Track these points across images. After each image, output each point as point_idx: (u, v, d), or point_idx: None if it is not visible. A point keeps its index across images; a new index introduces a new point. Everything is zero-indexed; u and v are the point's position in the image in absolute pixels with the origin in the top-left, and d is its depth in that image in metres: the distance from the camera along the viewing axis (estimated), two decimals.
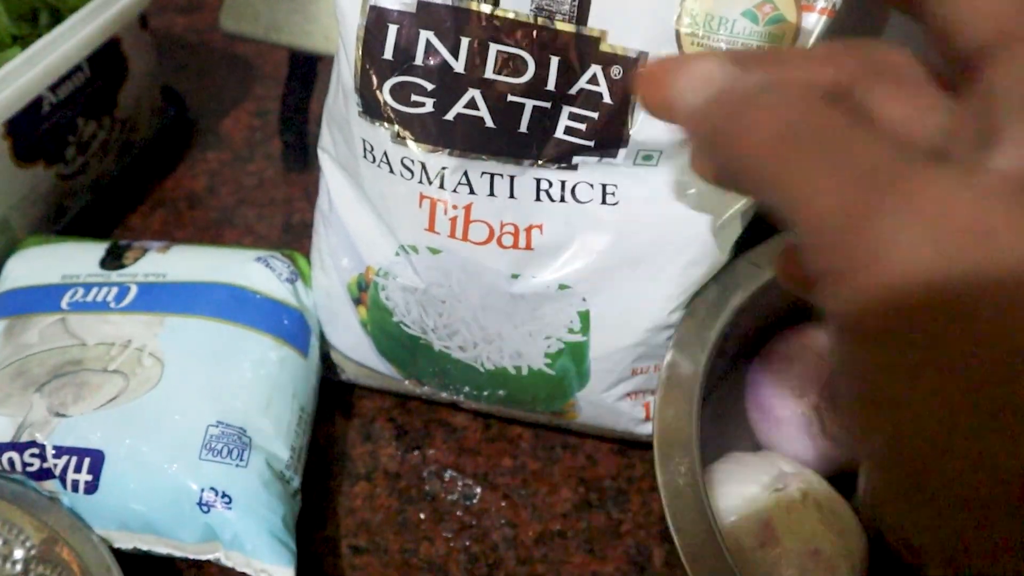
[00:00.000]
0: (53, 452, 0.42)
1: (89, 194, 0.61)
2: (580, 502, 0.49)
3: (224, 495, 0.42)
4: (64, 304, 0.47)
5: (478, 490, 0.50)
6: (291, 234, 0.62)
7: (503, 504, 0.49)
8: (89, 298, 0.47)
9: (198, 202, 0.64)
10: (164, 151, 0.66)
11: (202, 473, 0.42)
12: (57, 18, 0.55)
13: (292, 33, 0.53)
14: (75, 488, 0.42)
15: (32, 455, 0.42)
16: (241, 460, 0.43)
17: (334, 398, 0.53)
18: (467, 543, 0.48)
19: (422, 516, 0.49)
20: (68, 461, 0.42)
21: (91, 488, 0.42)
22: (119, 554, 0.41)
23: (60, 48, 0.52)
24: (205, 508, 0.41)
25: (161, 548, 0.43)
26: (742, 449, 0.47)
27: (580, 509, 0.49)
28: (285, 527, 0.43)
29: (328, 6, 0.52)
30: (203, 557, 0.42)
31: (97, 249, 0.51)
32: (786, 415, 0.45)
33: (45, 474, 0.42)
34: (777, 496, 0.42)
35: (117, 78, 0.59)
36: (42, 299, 0.48)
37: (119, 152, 0.62)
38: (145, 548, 0.43)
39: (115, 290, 0.48)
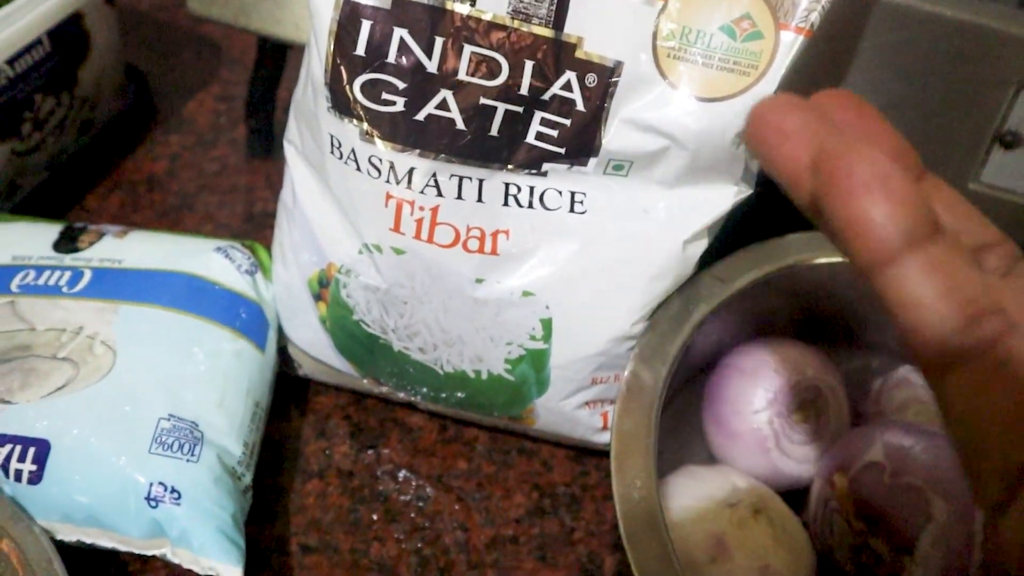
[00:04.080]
0: None
1: (44, 172, 0.59)
2: (534, 508, 0.49)
3: (173, 490, 0.41)
4: (14, 287, 0.46)
5: (432, 492, 0.49)
6: (252, 223, 0.61)
7: (456, 507, 0.49)
8: (41, 281, 0.46)
9: (158, 186, 0.62)
10: (124, 131, 0.65)
11: (151, 467, 0.41)
12: None
13: (262, 19, 0.52)
14: (18, 478, 0.41)
15: None
16: (192, 455, 0.42)
17: (289, 393, 0.52)
18: (419, 545, 0.48)
19: (374, 516, 0.48)
20: (12, 450, 0.41)
21: (35, 479, 0.41)
22: (62, 547, 0.40)
23: (19, 21, 0.51)
24: (153, 503, 0.41)
25: (106, 542, 0.42)
26: (697, 461, 0.47)
27: (533, 515, 0.49)
28: (235, 524, 0.42)
29: None
30: (149, 552, 0.42)
31: (51, 230, 0.50)
32: (742, 429, 0.45)
33: None
34: (730, 511, 0.42)
35: (78, 54, 0.57)
36: None
37: (78, 130, 0.61)
38: (89, 541, 0.42)
39: (68, 274, 0.47)
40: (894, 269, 0.19)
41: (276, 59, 0.59)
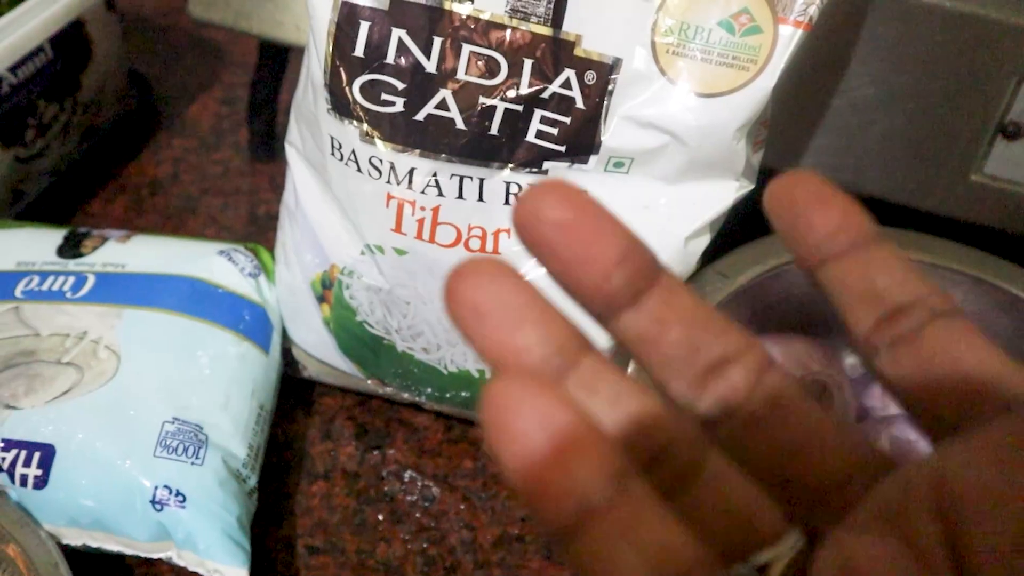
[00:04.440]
0: (2, 445, 0.41)
1: (48, 178, 0.59)
2: None
3: (178, 493, 0.41)
4: (18, 292, 0.46)
5: (437, 492, 0.49)
6: (256, 226, 0.61)
7: (462, 507, 0.49)
8: (45, 287, 0.46)
9: (161, 189, 0.63)
10: (127, 136, 0.65)
11: (156, 470, 0.41)
12: None
13: (263, 22, 0.52)
14: (23, 483, 0.41)
15: None
16: (197, 458, 0.42)
17: (294, 395, 0.52)
18: (424, 545, 0.48)
19: (380, 517, 0.48)
20: (17, 455, 0.41)
21: (40, 483, 0.41)
22: (68, 550, 0.40)
23: (22, 28, 0.51)
24: (158, 506, 0.41)
25: (112, 545, 0.42)
26: None
27: None
28: (240, 527, 0.42)
29: None
30: (155, 555, 0.42)
31: (55, 236, 0.50)
32: None
33: None
34: None
35: (81, 60, 0.58)
36: None
37: (81, 136, 0.61)
38: (95, 545, 0.42)
39: (72, 279, 0.47)
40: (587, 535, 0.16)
41: (277, 62, 0.59)
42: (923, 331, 0.19)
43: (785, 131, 0.44)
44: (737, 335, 0.20)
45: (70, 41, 0.56)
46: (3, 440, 0.41)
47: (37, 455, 0.41)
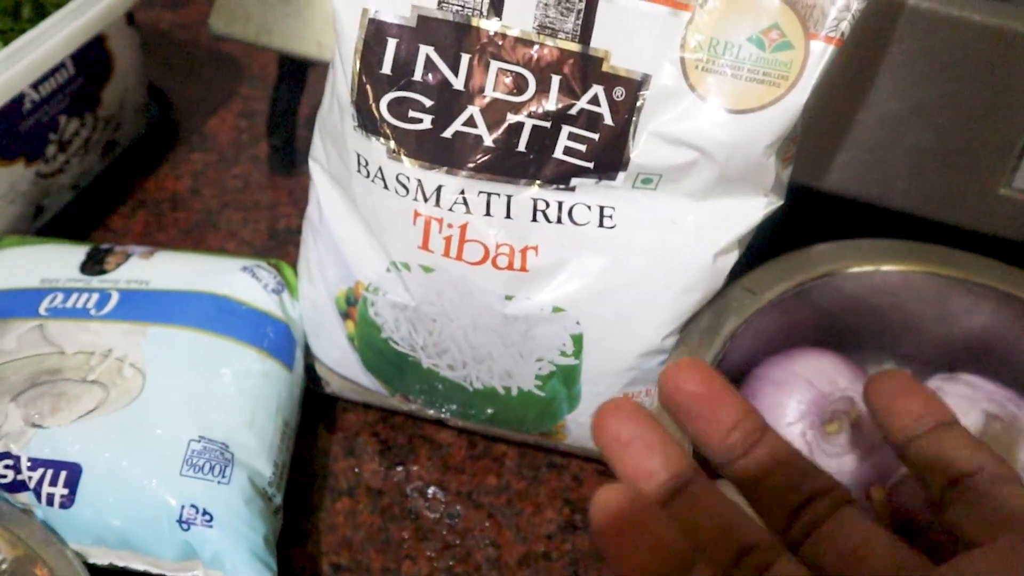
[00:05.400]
0: (28, 464, 0.41)
1: (69, 193, 0.59)
2: (565, 523, 0.49)
3: (205, 512, 0.41)
4: (42, 310, 0.46)
5: (462, 509, 0.49)
6: (276, 240, 0.61)
7: (487, 524, 0.49)
8: (69, 304, 0.46)
9: (181, 204, 0.63)
10: (147, 151, 0.65)
11: (183, 489, 0.41)
12: (40, 13, 0.54)
13: (284, 37, 0.52)
14: (50, 502, 0.41)
15: (6, 467, 0.41)
16: (223, 477, 0.42)
17: (317, 411, 0.52)
18: (450, 563, 0.47)
19: (405, 534, 0.48)
20: (44, 474, 0.41)
21: (67, 503, 0.41)
22: (94, 570, 0.40)
23: (44, 45, 0.51)
24: (185, 526, 0.40)
25: (138, 565, 0.41)
26: None
27: (565, 530, 0.49)
28: (266, 546, 0.42)
29: (322, 11, 0.51)
30: (181, 575, 0.41)
31: (78, 252, 0.50)
32: None
33: (19, 486, 0.41)
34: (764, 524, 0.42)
35: (101, 76, 0.58)
36: (19, 303, 0.47)
37: (101, 151, 0.61)
38: (121, 564, 0.42)
39: (96, 296, 0.47)
40: None
41: (297, 76, 0.59)
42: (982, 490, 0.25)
43: (812, 145, 0.44)
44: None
45: (91, 57, 0.56)
46: (29, 459, 0.41)
47: (63, 474, 0.41)
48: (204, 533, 0.41)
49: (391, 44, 0.37)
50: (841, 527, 0.26)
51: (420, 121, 0.38)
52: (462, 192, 0.39)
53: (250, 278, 0.48)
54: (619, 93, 0.37)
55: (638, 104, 0.37)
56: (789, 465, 0.27)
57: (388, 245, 0.41)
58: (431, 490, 0.50)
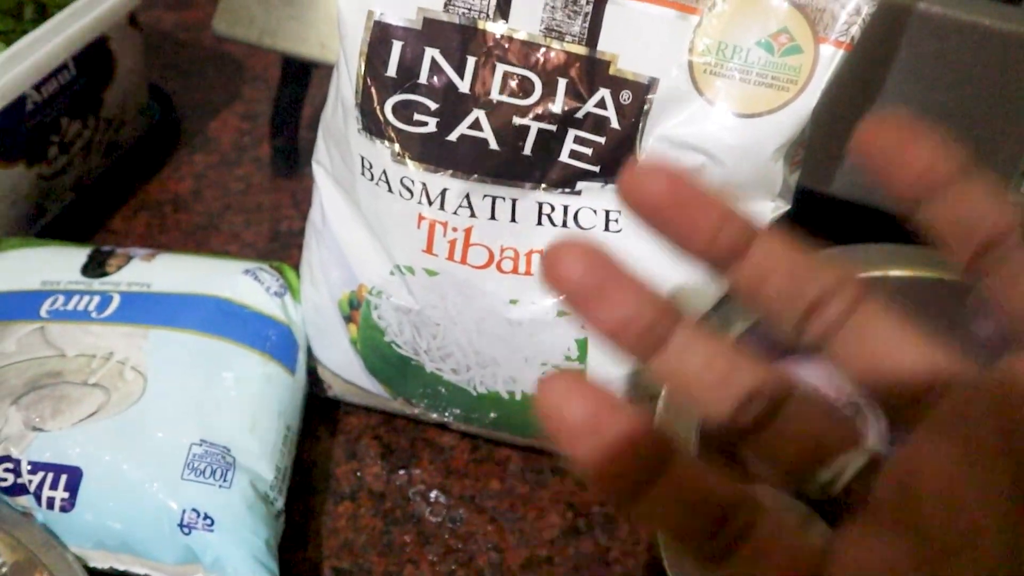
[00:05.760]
0: (28, 468, 0.41)
1: (71, 195, 0.59)
2: (568, 528, 0.49)
3: (206, 517, 0.40)
4: (43, 312, 0.46)
5: (464, 513, 0.49)
6: (278, 242, 0.60)
7: (490, 528, 0.48)
8: (70, 307, 0.46)
9: (183, 206, 0.62)
10: (149, 152, 0.65)
11: (184, 493, 0.41)
12: (43, 14, 0.54)
13: (287, 39, 0.52)
14: (50, 505, 0.40)
15: (6, 470, 0.41)
16: (224, 481, 0.41)
17: (319, 414, 0.52)
18: (452, 567, 0.47)
19: (407, 538, 0.48)
20: (44, 477, 0.41)
21: (67, 506, 0.40)
22: (95, 574, 0.40)
23: (45, 46, 0.50)
24: (186, 530, 0.40)
25: (139, 569, 0.41)
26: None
27: (568, 535, 0.48)
28: (268, 550, 0.42)
29: (326, 13, 0.51)
30: None
31: (79, 254, 0.49)
32: None
33: (19, 490, 0.41)
34: None
35: (103, 77, 0.57)
36: (20, 306, 0.46)
37: (103, 153, 0.60)
38: (122, 568, 0.41)
39: (97, 299, 0.46)
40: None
41: (301, 78, 0.58)
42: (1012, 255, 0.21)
43: (819, 149, 0.43)
44: (830, 272, 0.22)
45: (93, 58, 0.55)
46: (30, 463, 0.41)
47: (64, 478, 0.41)
48: (205, 537, 0.40)
49: (396, 47, 0.37)
50: (864, 327, 0.22)
51: (425, 124, 0.38)
52: (467, 196, 0.39)
53: (252, 281, 0.48)
54: (626, 96, 0.37)
55: (645, 108, 0.37)
56: (792, 263, 0.23)
57: (392, 248, 0.41)
58: (433, 494, 0.50)
